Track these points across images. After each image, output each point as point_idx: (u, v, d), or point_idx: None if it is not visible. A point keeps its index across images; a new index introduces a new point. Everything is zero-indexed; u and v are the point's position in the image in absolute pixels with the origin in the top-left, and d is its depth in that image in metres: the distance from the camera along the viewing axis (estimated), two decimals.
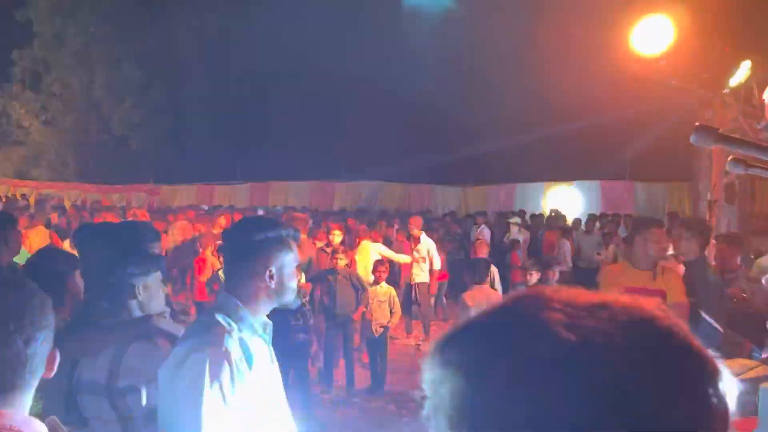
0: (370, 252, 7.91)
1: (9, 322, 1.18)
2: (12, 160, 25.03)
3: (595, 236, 11.75)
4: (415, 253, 8.75)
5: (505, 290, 7.70)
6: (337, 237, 7.43)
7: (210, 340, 1.81)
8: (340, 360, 6.84)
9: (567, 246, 11.09)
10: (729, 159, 2.18)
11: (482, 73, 19.15)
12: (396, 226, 11.10)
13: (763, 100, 5.60)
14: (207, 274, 7.62)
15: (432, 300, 9.47)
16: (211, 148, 24.13)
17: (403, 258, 8.56)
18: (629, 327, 0.59)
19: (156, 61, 24.67)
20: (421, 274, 8.79)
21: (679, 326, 0.61)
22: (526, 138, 17.66)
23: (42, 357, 1.23)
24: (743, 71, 5.40)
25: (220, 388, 1.75)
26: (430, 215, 15.56)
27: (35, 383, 1.24)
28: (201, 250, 8.34)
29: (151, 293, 2.19)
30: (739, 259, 5.19)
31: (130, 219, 9.46)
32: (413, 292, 8.82)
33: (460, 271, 8.80)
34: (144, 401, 2.04)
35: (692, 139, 1.70)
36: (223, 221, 9.72)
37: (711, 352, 0.62)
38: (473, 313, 0.66)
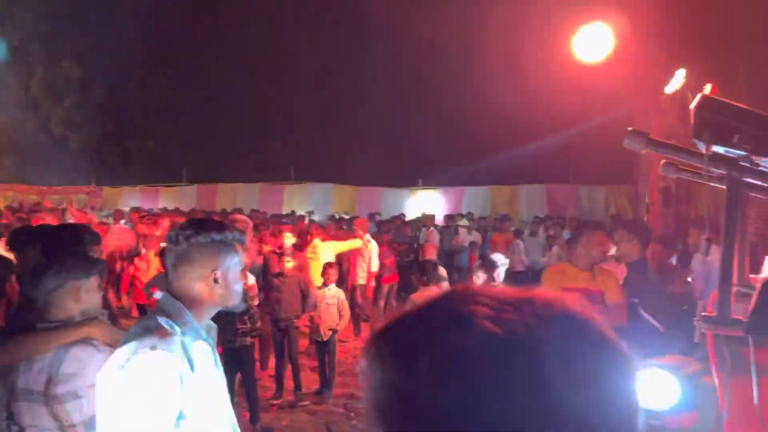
0: (322, 251, 7.90)
1: None
2: None
3: (540, 238, 12.01)
4: (360, 257, 8.83)
5: None
6: (288, 239, 7.37)
7: (151, 343, 1.79)
8: (287, 364, 6.79)
9: (521, 246, 11.31)
10: (661, 163, 2.28)
11: (430, 80, 19.34)
12: (344, 228, 11.11)
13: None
14: (149, 277, 7.46)
15: (381, 302, 9.51)
16: (155, 148, 23.59)
17: (355, 243, 8.56)
18: (550, 320, 0.62)
19: (98, 58, 23.98)
20: (365, 276, 8.89)
21: (596, 320, 0.65)
22: (472, 142, 17.92)
23: None
24: (679, 79, 5.62)
25: (162, 391, 1.73)
26: (379, 218, 15.61)
27: None
28: (144, 252, 8.19)
29: (90, 297, 2.14)
30: (674, 260, 5.41)
31: (71, 221, 9.17)
32: (358, 294, 8.90)
33: (410, 274, 8.88)
34: (85, 408, 1.99)
35: (625, 143, 1.78)
36: (166, 223, 9.52)
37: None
38: None
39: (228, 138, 22.82)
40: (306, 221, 13.98)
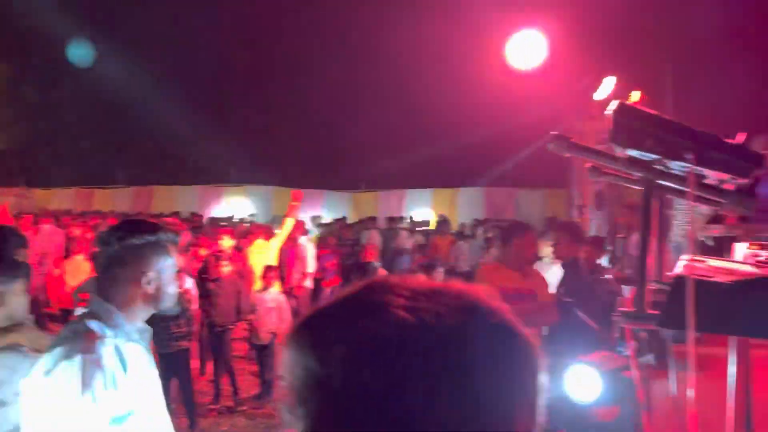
0: (264, 251, 7.84)
1: None
2: None
3: (478, 240, 12.24)
4: (297, 261, 8.83)
5: None
6: (226, 242, 7.29)
7: (81, 347, 1.76)
8: (226, 369, 6.71)
9: (464, 248, 11.51)
10: (588, 167, 2.38)
11: (373, 83, 19.44)
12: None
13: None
14: (78, 281, 7.23)
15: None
16: (89, 149, 22.82)
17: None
18: (461, 309, 0.66)
19: (29, 56, 23.05)
20: (301, 278, 8.92)
21: (504, 310, 0.69)
22: (414, 146, 18.10)
23: None
24: (608, 86, 5.84)
25: (92, 396, 1.70)
26: (320, 220, 15.57)
27: None
28: (72, 254, 7.97)
29: (17, 301, 2.08)
30: (601, 260, 5.62)
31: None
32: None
33: (351, 276, 8.91)
34: (11, 417, 1.94)
35: (549, 146, 1.86)
36: (97, 226, 9.27)
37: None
38: None
39: (165, 139, 22.29)
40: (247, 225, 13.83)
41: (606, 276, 5.46)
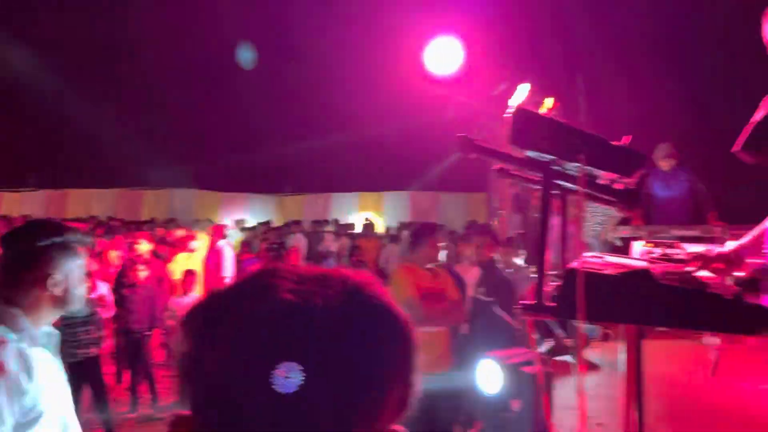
0: (186, 256, 7.69)
1: None
2: None
3: (403, 243, 12.41)
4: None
5: None
6: (143, 247, 7.10)
7: None
8: (144, 376, 6.54)
9: (393, 250, 11.63)
10: (495, 169, 2.49)
11: (296, 86, 19.34)
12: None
13: None
14: None
15: None
16: None
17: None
18: (344, 292, 0.71)
19: None
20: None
21: (383, 293, 0.75)
22: (340, 150, 18.12)
23: None
24: (523, 92, 6.07)
25: None
26: (244, 224, 15.38)
27: None
28: None
29: None
30: (517, 259, 5.84)
31: None
32: None
33: None
34: None
35: (454, 149, 1.95)
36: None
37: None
38: None
39: (81, 141, 21.38)
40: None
41: (524, 274, 5.67)
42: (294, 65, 18.98)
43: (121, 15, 20.40)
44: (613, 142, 1.75)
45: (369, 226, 14.53)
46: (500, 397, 2.54)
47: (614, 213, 6.91)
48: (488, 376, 2.60)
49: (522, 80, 6.63)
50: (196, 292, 6.78)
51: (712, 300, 1.57)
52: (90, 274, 5.71)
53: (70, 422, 1.99)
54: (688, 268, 2.00)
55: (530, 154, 1.79)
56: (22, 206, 18.52)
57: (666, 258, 2.33)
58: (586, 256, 2.32)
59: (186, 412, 0.70)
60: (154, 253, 7.65)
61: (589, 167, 1.72)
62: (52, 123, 21.73)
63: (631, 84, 10.17)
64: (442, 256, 4.65)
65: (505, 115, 1.75)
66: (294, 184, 19.77)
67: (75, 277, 1.95)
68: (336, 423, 0.66)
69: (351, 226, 15.26)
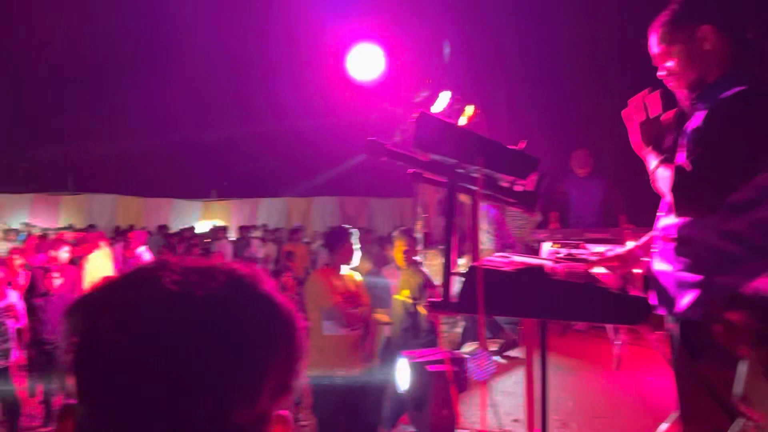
0: (102, 260, 7.43)
1: None
2: None
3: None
4: None
5: None
6: (63, 254, 6.83)
7: None
8: (58, 388, 6.28)
9: (323, 256, 11.61)
10: (409, 173, 2.56)
11: (221, 91, 19.05)
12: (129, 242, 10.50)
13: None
14: None
15: None
16: None
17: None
18: (228, 283, 0.75)
19: None
20: None
21: (268, 284, 0.79)
22: (268, 155, 17.96)
23: None
24: (444, 100, 6.24)
25: None
26: (168, 230, 15.00)
27: None
28: None
29: None
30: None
31: None
32: None
33: None
34: None
35: (365, 153, 2.00)
36: None
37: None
38: None
39: None
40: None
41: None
42: (221, 68, 18.70)
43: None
44: (510, 147, 1.85)
45: (297, 231, 14.47)
46: (412, 396, 2.62)
47: (533, 218, 7.18)
48: (403, 375, 2.67)
49: (444, 87, 6.79)
50: None
51: (600, 293, 1.69)
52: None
53: None
54: (594, 268, 2.14)
55: (435, 157, 1.87)
56: None
57: (570, 257, 2.47)
58: (494, 256, 2.43)
59: (73, 401, 0.72)
60: (70, 261, 7.35)
61: (487, 170, 1.81)
62: None
63: (551, 92, 10.56)
64: (358, 259, 4.69)
65: (411, 120, 1.82)
66: (220, 189, 19.43)
67: None
68: (215, 406, 0.69)
69: (280, 231, 15.14)
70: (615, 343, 4.45)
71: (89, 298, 0.75)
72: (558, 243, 3.08)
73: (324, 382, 4.29)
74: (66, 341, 0.73)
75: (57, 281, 6.14)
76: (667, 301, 1.86)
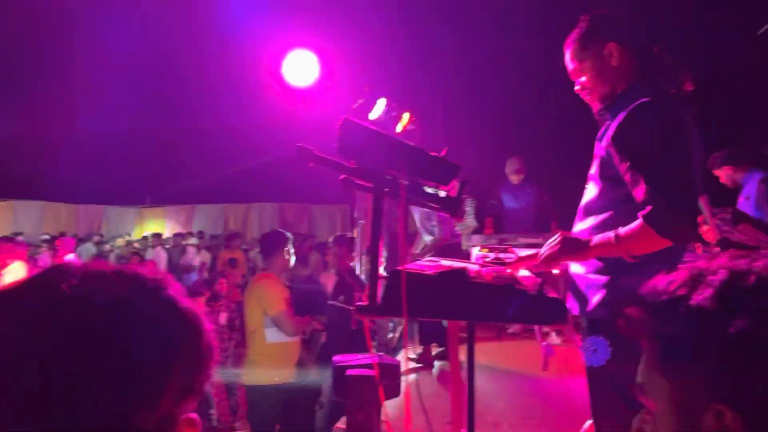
0: (19, 271, 7.14)
1: None
2: None
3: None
4: None
5: None
6: None
7: None
8: None
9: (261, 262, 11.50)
10: (341, 179, 2.58)
11: (157, 92, 18.60)
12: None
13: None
14: None
15: None
16: None
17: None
18: (130, 287, 0.77)
19: None
20: None
21: (174, 289, 0.81)
22: (205, 161, 17.61)
23: None
24: (380, 107, 6.31)
25: None
26: (101, 238, 14.56)
27: None
28: None
29: None
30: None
31: None
32: None
33: None
34: None
35: (296, 157, 2.02)
36: None
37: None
38: None
39: None
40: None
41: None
42: (154, 70, 18.26)
43: None
44: (432, 153, 1.90)
45: (233, 238, 14.27)
46: (335, 401, 2.63)
47: (470, 224, 7.32)
48: (332, 380, 2.70)
49: (381, 95, 6.85)
50: None
51: (517, 295, 1.76)
52: None
53: None
54: (522, 271, 2.22)
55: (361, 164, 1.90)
56: None
57: (498, 261, 2.55)
58: (424, 260, 2.49)
59: None
60: None
61: (411, 177, 1.86)
62: None
63: (486, 101, 10.79)
64: (292, 263, 4.70)
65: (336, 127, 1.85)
66: (155, 196, 18.95)
67: None
68: (116, 407, 0.70)
69: (217, 238, 14.90)
70: (542, 344, 4.58)
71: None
72: (485, 247, 3.17)
73: (262, 389, 4.27)
74: None
75: None
76: (580, 301, 1.96)
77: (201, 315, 0.82)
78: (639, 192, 1.83)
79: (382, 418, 2.51)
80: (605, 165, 2.01)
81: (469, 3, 9.44)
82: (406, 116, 6.94)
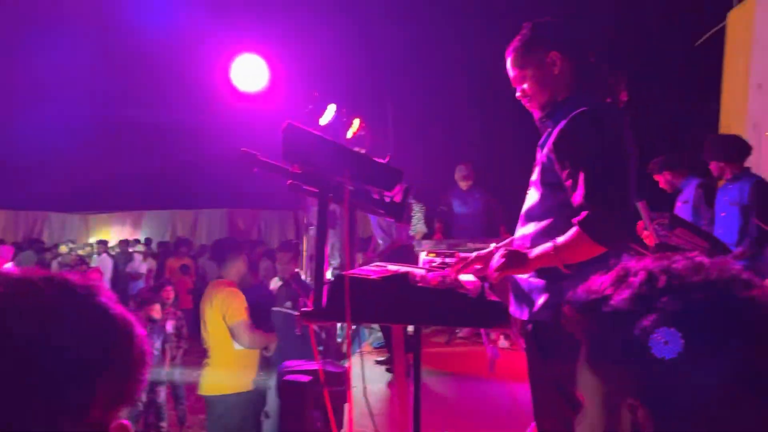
0: None
1: None
2: None
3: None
4: None
5: None
6: None
7: None
8: None
9: (210, 267, 11.33)
10: (288, 184, 2.57)
11: (106, 96, 18.15)
12: None
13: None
14: None
15: None
16: None
17: None
18: (59, 293, 0.76)
19: None
20: None
21: (105, 295, 0.80)
22: (149, 166, 17.22)
23: None
24: (330, 112, 6.32)
25: None
26: (43, 245, 14.09)
27: None
28: None
29: None
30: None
31: None
32: None
33: None
34: None
35: (238, 162, 2.01)
36: None
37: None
38: None
39: None
40: None
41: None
42: (106, 76, 17.80)
43: None
44: (376, 159, 1.92)
45: (181, 244, 14.03)
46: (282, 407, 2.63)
47: (419, 229, 7.37)
48: (277, 388, 2.68)
49: (332, 101, 6.85)
50: None
51: (458, 299, 1.78)
52: None
53: None
54: (466, 276, 2.25)
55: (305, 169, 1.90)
56: None
57: (444, 266, 2.58)
58: (371, 265, 2.50)
59: None
60: None
61: (355, 182, 1.87)
62: None
63: (436, 108, 10.91)
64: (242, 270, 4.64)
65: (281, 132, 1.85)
66: (100, 202, 18.44)
67: None
68: (45, 414, 0.69)
69: (164, 245, 14.61)
70: (488, 347, 4.66)
71: None
72: (432, 252, 3.21)
73: (224, 400, 4.18)
74: None
75: None
76: (524, 304, 2.00)
77: (133, 321, 0.81)
78: (576, 197, 1.88)
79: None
80: (546, 171, 2.05)
81: (420, 9, 9.54)
82: (356, 122, 6.97)
